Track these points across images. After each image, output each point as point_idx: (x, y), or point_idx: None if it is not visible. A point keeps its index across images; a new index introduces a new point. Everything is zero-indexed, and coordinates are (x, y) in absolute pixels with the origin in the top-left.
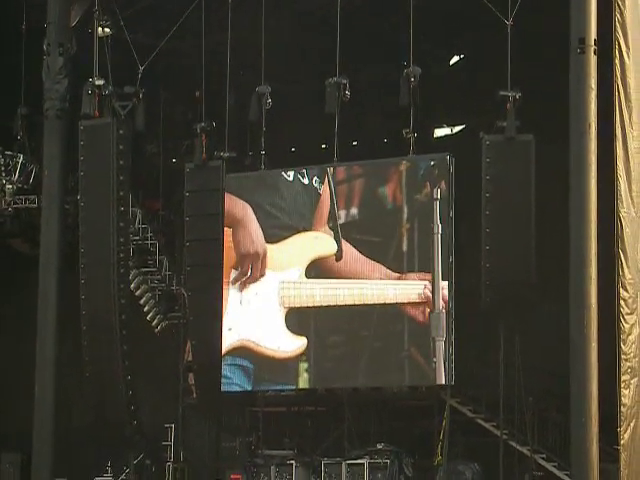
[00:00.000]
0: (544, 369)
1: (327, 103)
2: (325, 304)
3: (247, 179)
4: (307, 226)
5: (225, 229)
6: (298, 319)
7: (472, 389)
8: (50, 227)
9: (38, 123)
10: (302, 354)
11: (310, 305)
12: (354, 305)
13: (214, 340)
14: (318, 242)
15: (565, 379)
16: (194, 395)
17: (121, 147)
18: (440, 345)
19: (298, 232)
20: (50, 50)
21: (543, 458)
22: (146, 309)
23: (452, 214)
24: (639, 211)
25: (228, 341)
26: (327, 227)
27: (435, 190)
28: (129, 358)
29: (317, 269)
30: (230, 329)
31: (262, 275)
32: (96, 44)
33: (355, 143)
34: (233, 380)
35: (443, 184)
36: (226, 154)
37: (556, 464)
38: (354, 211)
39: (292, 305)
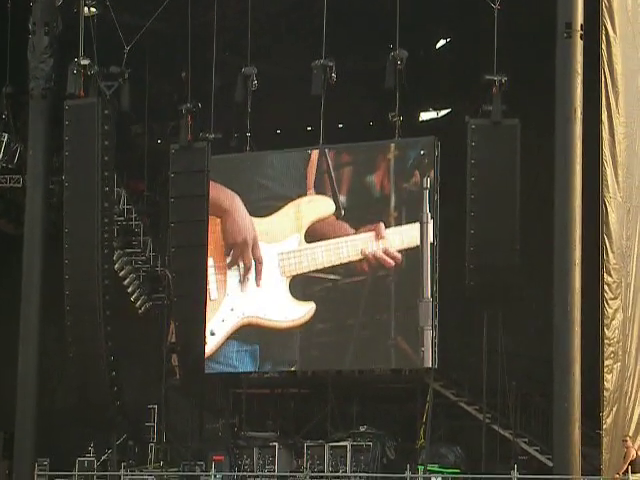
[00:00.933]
0: (527, 353)
1: (313, 85)
2: (328, 264)
3: (234, 160)
4: (301, 191)
5: (214, 218)
6: (302, 285)
7: (455, 373)
8: (34, 207)
9: (23, 102)
10: (311, 319)
11: (313, 269)
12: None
13: (198, 321)
14: (313, 205)
15: (548, 363)
16: (177, 376)
17: (106, 127)
18: (428, 333)
19: (292, 200)
20: (35, 29)
21: (525, 442)
22: (130, 290)
23: (437, 197)
24: (625, 196)
25: (231, 322)
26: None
27: (425, 179)
28: (112, 339)
29: (316, 232)
30: (232, 309)
31: (255, 261)
32: (82, 24)
33: (341, 126)
34: (239, 368)
35: (432, 173)
36: (211, 135)
37: (538, 448)
38: (342, 199)
39: (294, 273)
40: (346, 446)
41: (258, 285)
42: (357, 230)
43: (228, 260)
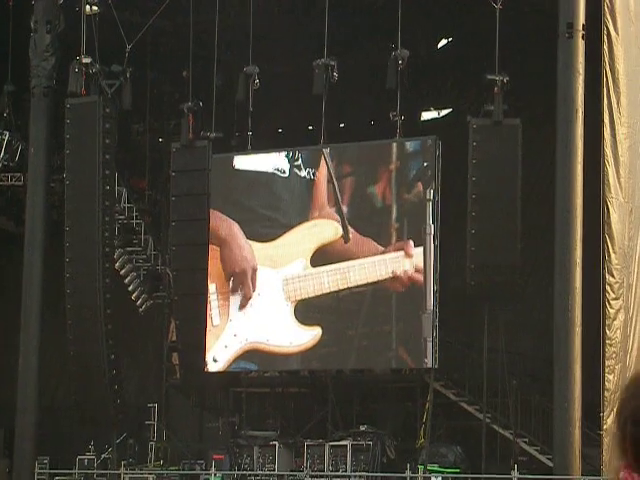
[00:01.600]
0: (528, 353)
1: (315, 84)
2: (335, 289)
3: (238, 178)
4: (304, 218)
5: (214, 247)
6: (307, 310)
7: (456, 372)
8: (35, 205)
9: (25, 100)
10: (317, 344)
11: (319, 294)
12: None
13: (199, 320)
14: (318, 229)
15: (549, 363)
16: (178, 375)
17: (107, 126)
18: (430, 345)
19: (296, 225)
20: (37, 27)
21: (525, 442)
22: (131, 288)
23: (438, 198)
24: (627, 196)
25: (234, 348)
26: (326, 210)
27: (427, 191)
28: (113, 337)
29: (323, 256)
30: (235, 335)
31: (254, 291)
32: (83, 22)
33: (342, 125)
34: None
35: (434, 185)
36: (213, 134)
37: (538, 448)
38: (344, 209)
39: (299, 298)
40: (346, 445)
41: (257, 312)
42: (373, 251)
43: (229, 285)
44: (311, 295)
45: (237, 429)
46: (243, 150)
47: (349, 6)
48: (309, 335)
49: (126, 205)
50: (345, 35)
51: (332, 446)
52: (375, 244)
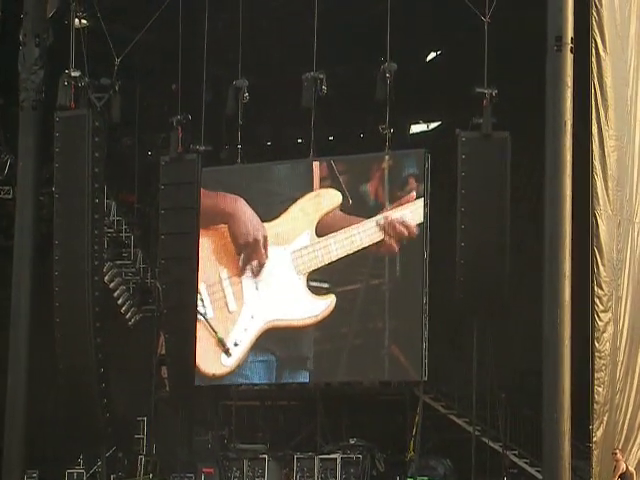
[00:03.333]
0: (517, 366)
1: (304, 97)
2: (343, 255)
3: (238, 173)
4: (306, 189)
5: (221, 226)
6: (320, 280)
7: (445, 385)
8: (24, 218)
9: (13, 114)
10: (332, 312)
11: (328, 262)
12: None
13: (188, 333)
14: (320, 199)
15: (538, 376)
16: (167, 388)
17: (96, 139)
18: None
19: (298, 198)
20: (26, 41)
21: (515, 454)
22: (120, 302)
23: (427, 210)
24: (615, 209)
25: (253, 330)
26: (325, 183)
27: (420, 188)
28: (102, 351)
29: (327, 225)
30: (252, 317)
31: (267, 258)
32: (72, 35)
33: (331, 138)
34: (252, 379)
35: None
36: (202, 147)
37: (528, 460)
38: (341, 179)
39: (310, 269)
40: (336, 458)
41: (270, 291)
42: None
43: (240, 263)
44: (320, 265)
45: (226, 442)
46: (232, 163)
47: (338, 20)
48: (324, 304)
49: (115, 218)
50: (334, 48)
51: (322, 459)
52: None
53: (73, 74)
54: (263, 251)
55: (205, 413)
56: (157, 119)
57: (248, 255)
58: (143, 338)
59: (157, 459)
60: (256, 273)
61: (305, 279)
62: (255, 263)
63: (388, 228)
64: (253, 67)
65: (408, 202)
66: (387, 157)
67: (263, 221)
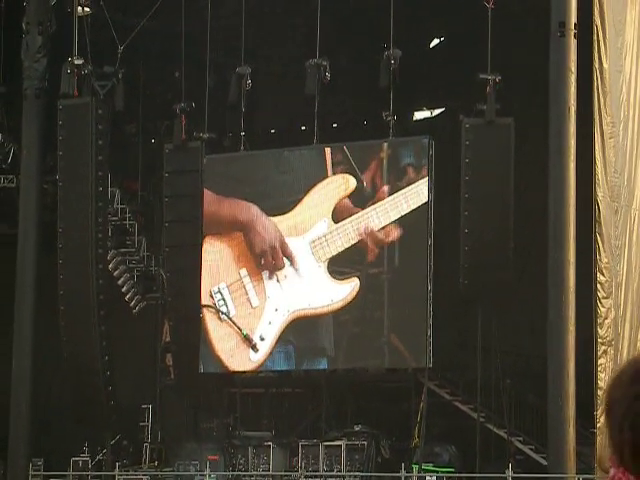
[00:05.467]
0: (522, 352)
1: (307, 85)
2: (362, 237)
3: (246, 162)
4: (320, 176)
5: (237, 234)
6: (341, 265)
7: (450, 372)
8: (28, 207)
9: (17, 102)
10: (357, 295)
11: (348, 246)
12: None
13: (193, 321)
14: (333, 185)
15: (543, 362)
16: (172, 376)
17: (100, 127)
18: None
19: (312, 187)
20: (29, 29)
21: (520, 441)
22: (124, 290)
23: (431, 197)
24: (613, 196)
25: (278, 322)
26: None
27: (420, 177)
28: (107, 339)
29: (343, 209)
30: (277, 310)
31: (288, 259)
32: (75, 23)
33: (335, 125)
34: (272, 367)
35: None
36: (205, 135)
37: (533, 447)
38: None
39: (330, 255)
40: (341, 445)
41: (292, 282)
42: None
43: (258, 266)
44: (340, 250)
45: (231, 430)
46: (236, 151)
47: (341, 6)
48: (348, 288)
49: (119, 206)
50: (337, 35)
51: (326, 446)
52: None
53: (76, 62)
54: (281, 255)
55: (210, 401)
56: (160, 107)
57: (267, 261)
58: (147, 326)
59: (162, 447)
60: (276, 272)
61: (325, 266)
62: (273, 266)
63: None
64: (256, 54)
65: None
66: (386, 145)
67: (279, 214)
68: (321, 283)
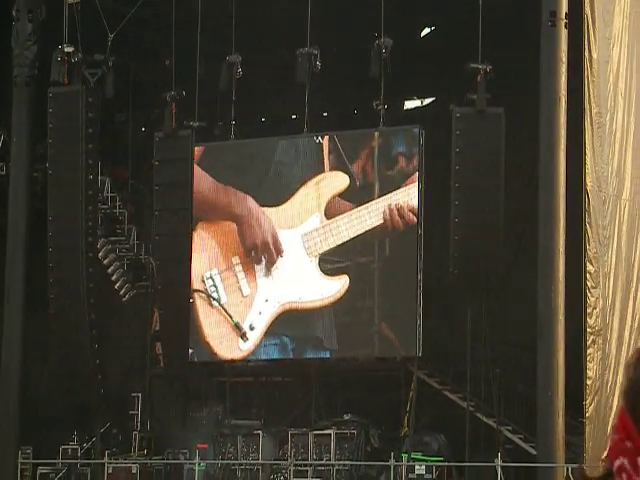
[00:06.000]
0: (511, 342)
1: (297, 73)
2: (354, 235)
3: (239, 150)
4: (314, 172)
5: (229, 223)
6: (331, 261)
7: (439, 361)
8: (18, 195)
9: (6, 90)
10: (347, 292)
11: (340, 242)
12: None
13: (182, 309)
14: (327, 181)
15: (532, 351)
16: (161, 364)
17: (90, 115)
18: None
19: (306, 181)
20: (19, 16)
21: (509, 430)
22: (114, 278)
23: (422, 187)
24: (600, 186)
25: (268, 313)
26: (332, 165)
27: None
28: (96, 327)
29: (336, 206)
30: (267, 300)
31: (278, 255)
32: (66, 10)
33: (325, 114)
34: (265, 357)
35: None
36: (196, 123)
37: (522, 436)
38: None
39: (321, 251)
40: (330, 434)
41: (283, 274)
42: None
43: (253, 258)
44: (332, 246)
45: (221, 418)
46: (226, 139)
47: None
48: (338, 285)
49: (109, 194)
50: (328, 24)
51: (316, 435)
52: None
53: (66, 50)
54: (274, 250)
55: (199, 389)
56: (151, 95)
57: (259, 254)
58: (137, 314)
59: (151, 435)
60: (267, 264)
61: (317, 261)
62: (266, 260)
63: (389, 214)
64: (247, 42)
65: (407, 185)
66: (377, 134)
67: (272, 206)
68: (312, 278)
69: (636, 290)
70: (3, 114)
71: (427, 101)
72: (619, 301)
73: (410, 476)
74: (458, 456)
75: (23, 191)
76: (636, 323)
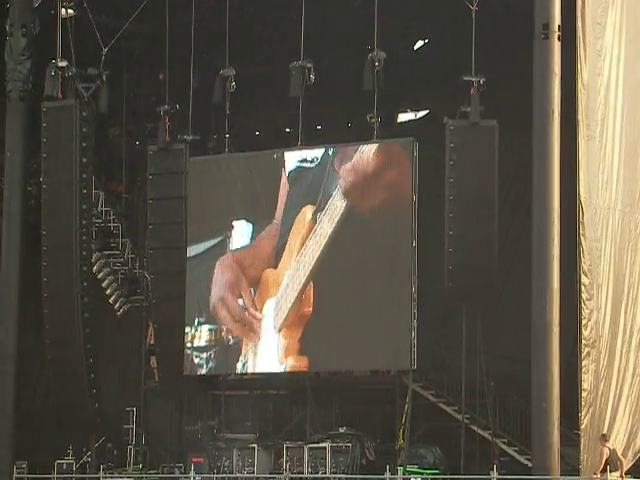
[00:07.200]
0: (506, 354)
1: (292, 87)
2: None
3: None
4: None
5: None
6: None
7: (434, 373)
8: (12, 209)
9: (0, 104)
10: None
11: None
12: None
13: (176, 323)
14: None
15: (526, 364)
16: (156, 378)
17: (84, 129)
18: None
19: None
20: (13, 31)
21: (504, 442)
22: (108, 292)
23: (415, 199)
24: (591, 198)
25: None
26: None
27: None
28: (91, 341)
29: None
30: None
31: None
32: (59, 25)
33: (319, 127)
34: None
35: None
36: (190, 137)
37: (517, 448)
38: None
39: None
40: (325, 447)
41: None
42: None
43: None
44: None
45: (216, 432)
46: (220, 152)
47: (326, 8)
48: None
49: (103, 209)
50: (322, 37)
51: (311, 448)
52: None
53: (60, 64)
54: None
55: (194, 403)
56: (145, 109)
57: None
58: (132, 328)
59: (147, 449)
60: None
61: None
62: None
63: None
64: (240, 56)
65: None
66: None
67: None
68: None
69: (627, 301)
70: None
71: (421, 114)
72: (609, 313)
73: None
74: (453, 468)
75: (17, 205)
76: (627, 335)
